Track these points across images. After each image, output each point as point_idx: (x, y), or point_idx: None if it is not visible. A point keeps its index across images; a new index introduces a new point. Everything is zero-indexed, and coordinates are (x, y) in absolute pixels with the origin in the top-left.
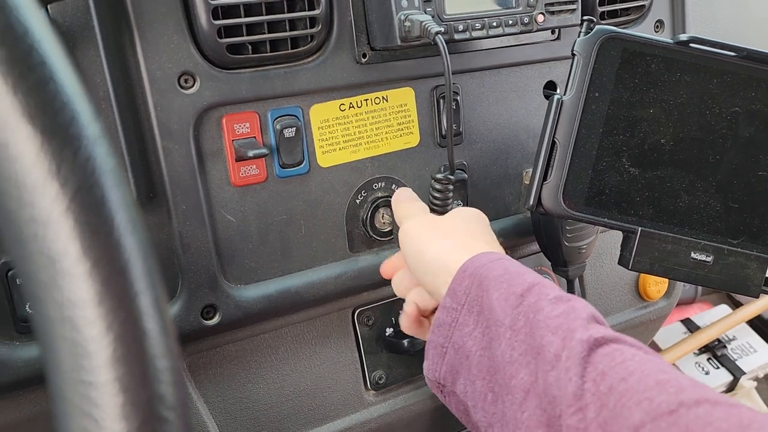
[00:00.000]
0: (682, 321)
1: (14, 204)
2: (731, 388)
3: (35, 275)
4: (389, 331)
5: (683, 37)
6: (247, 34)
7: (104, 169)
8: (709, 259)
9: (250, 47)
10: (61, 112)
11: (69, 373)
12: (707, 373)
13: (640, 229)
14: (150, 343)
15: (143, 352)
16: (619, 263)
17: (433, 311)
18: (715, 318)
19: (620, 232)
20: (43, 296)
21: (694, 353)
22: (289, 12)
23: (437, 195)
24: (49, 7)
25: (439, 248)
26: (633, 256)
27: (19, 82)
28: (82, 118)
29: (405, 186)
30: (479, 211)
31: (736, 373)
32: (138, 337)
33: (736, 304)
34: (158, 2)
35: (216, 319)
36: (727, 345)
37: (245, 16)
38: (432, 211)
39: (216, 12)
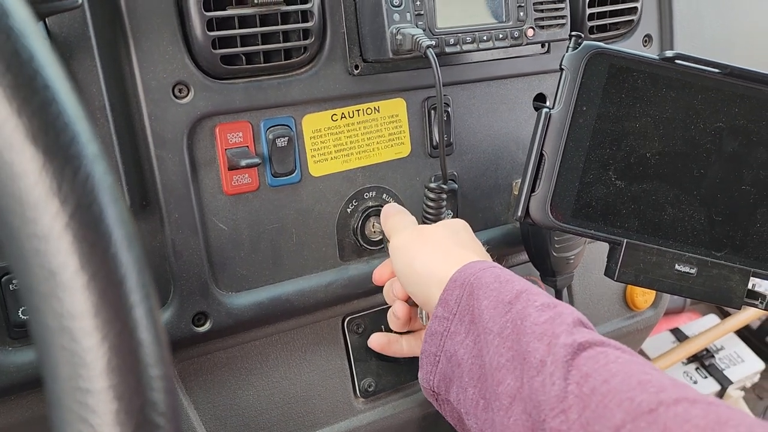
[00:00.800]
0: (670, 330)
1: (17, 220)
2: (719, 397)
3: (36, 287)
4: None
5: (669, 53)
6: (241, 46)
7: (102, 187)
8: (692, 271)
9: (243, 58)
10: (62, 132)
11: (67, 381)
12: (695, 383)
13: (625, 240)
14: (144, 353)
15: (137, 361)
16: (605, 274)
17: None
18: (704, 327)
19: (607, 244)
20: (43, 307)
21: (683, 362)
22: (282, 24)
23: (431, 204)
24: (46, 19)
25: (429, 259)
26: (618, 267)
27: (24, 105)
28: (82, 137)
29: (396, 195)
30: (464, 221)
31: (724, 382)
32: (132, 348)
33: (724, 314)
34: (154, 13)
35: (207, 326)
36: (715, 354)
37: (239, 28)
38: (425, 220)
39: (211, 23)
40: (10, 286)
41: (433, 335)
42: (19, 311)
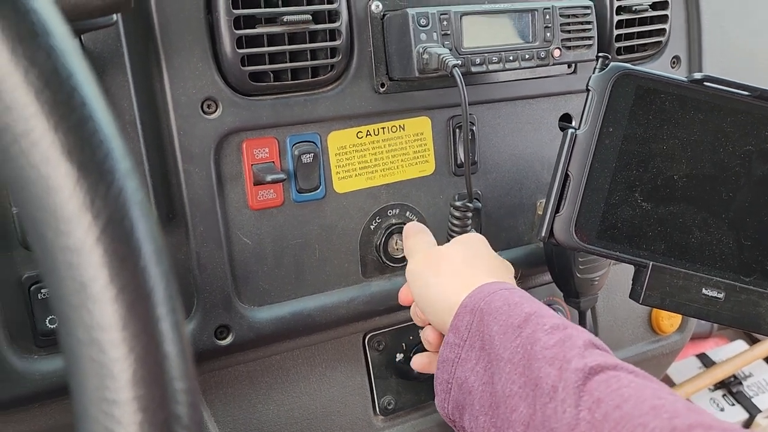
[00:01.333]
0: (697, 356)
1: (51, 233)
2: (747, 425)
3: (67, 299)
4: (399, 356)
5: (697, 75)
6: (270, 63)
7: (134, 202)
8: (720, 295)
9: (271, 75)
10: (97, 149)
11: (94, 392)
12: (722, 410)
13: (651, 263)
14: (169, 366)
15: (163, 374)
16: (630, 297)
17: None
18: (731, 354)
19: (632, 266)
20: (73, 319)
21: (709, 389)
22: (310, 42)
23: (456, 222)
24: (82, 36)
25: (441, 284)
26: (644, 290)
27: (61, 121)
28: (116, 154)
29: (419, 213)
30: (480, 235)
31: (752, 410)
32: (158, 360)
33: (753, 340)
34: (185, 31)
35: (229, 340)
36: (743, 381)
37: (268, 46)
38: (449, 238)
39: (240, 41)
40: (39, 295)
41: (445, 362)
42: (46, 320)
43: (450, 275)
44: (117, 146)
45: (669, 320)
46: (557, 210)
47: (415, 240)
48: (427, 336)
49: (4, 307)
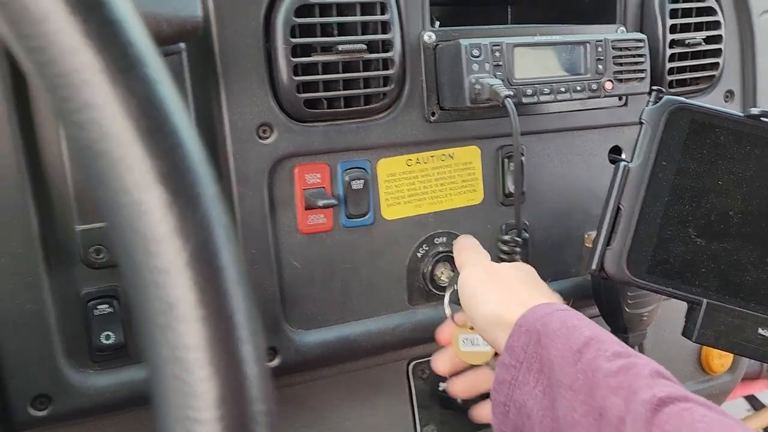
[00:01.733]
0: (745, 397)
1: (140, 254)
2: None
3: (153, 318)
4: (443, 386)
5: (755, 110)
6: (324, 90)
7: (219, 226)
8: None
9: (325, 102)
10: (187, 174)
11: (177, 410)
12: None
13: (705, 301)
14: (250, 387)
15: (244, 395)
16: (682, 334)
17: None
18: None
19: (684, 302)
20: (159, 338)
21: None
22: (364, 71)
23: (504, 257)
24: None
25: (496, 300)
26: (697, 328)
27: (155, 147)
28: (204, 179)
29: None
30: (530, 266)
31: None
32: (240, 381)
33: None
34: (245, 58)
35: (276, 362)
36: None
37: (323, 74)
38: None
39: (296, 69)
40: (95, 311)
41: (501, 383)
42: (102, 336)
43: (506, 291)
44: (204, 171)
45: (720, 359)
46: (608, 243)
47: (469, 252)
48: (437, 364)
49: (63, 321)
